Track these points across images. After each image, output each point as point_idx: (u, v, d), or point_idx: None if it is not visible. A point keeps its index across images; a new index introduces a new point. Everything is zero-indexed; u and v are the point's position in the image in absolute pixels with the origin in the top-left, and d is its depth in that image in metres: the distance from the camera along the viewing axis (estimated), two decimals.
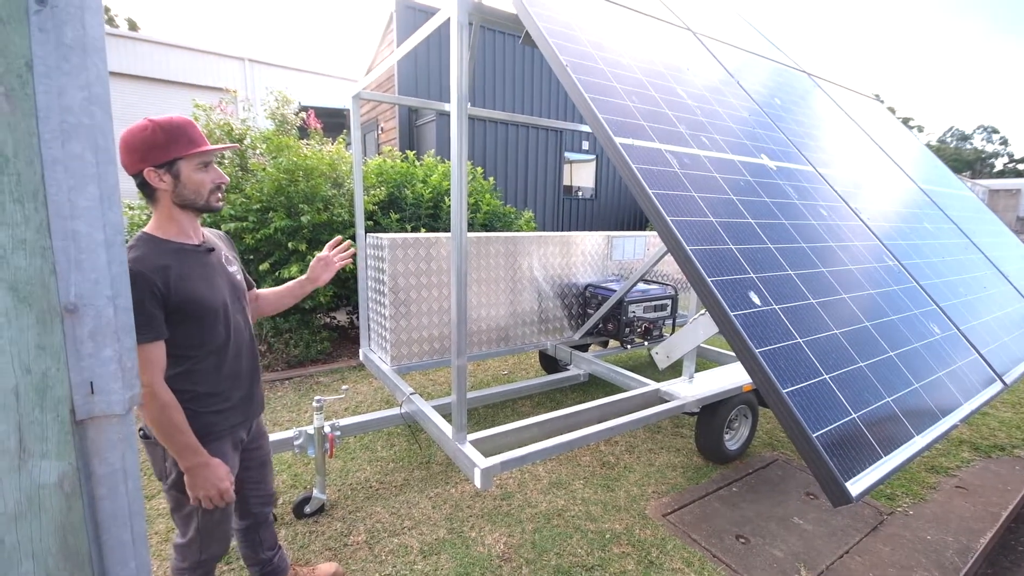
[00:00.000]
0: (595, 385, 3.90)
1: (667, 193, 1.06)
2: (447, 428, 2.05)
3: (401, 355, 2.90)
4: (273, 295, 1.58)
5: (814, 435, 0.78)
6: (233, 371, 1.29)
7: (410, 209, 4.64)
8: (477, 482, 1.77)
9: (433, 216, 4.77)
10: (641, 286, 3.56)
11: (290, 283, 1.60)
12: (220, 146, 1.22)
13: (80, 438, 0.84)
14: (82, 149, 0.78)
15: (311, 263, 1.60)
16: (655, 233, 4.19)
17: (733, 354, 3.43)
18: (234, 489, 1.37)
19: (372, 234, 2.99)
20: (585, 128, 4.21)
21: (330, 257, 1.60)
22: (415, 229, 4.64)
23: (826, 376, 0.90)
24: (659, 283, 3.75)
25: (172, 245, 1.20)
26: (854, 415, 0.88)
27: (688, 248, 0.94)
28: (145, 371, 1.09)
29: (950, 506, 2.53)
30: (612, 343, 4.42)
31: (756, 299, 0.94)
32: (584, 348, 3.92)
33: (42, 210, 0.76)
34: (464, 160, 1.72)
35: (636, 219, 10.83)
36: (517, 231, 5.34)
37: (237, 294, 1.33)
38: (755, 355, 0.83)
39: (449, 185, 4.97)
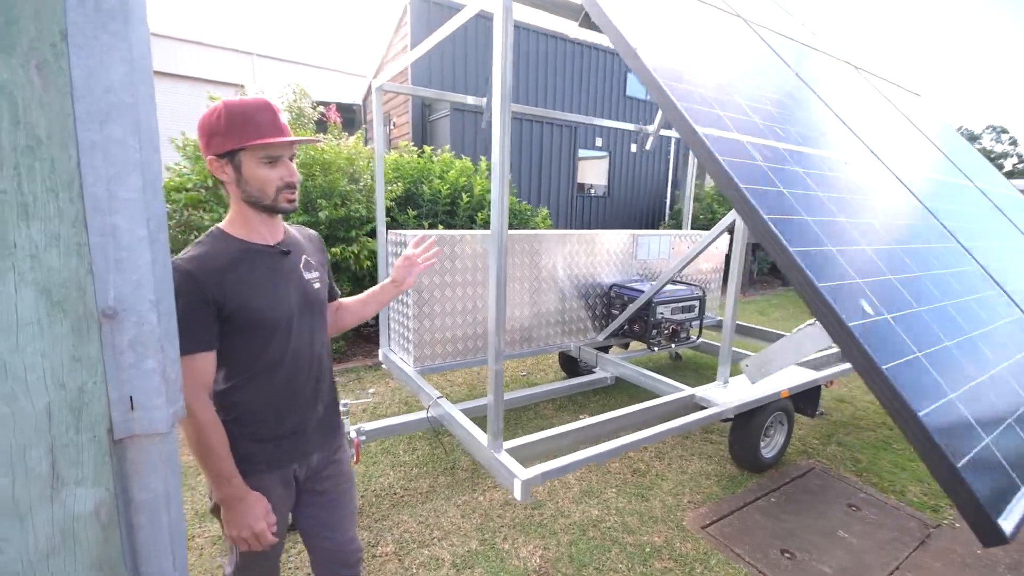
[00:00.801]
0: (618, 389, 3.79)
1: (757, 188, 0.96)
2: (480, 435, 1.96)
3: (424, 356, 2.81)
4: (356, 304, 1.40)
5: (958, 465, 0.68)
6: (286, 395, 1.11)
7: (427, 206, 4.54)
8: (517, 494, 1.67)
9: (450, 213, 4.67)
10: (669, 287, 3.44)
11: (373, 288, 1.41)
12: (289, 139, 1.01)
13: (118, 460, 0.74)
14: (123, 132, 0.68)
15: (395, 264, 1.40)
16: (679, 232, 4.07)
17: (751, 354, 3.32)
18: (290, 529, 1.23)
19: (395, 230, 2.90)
20: (602, 122, 4.09)
21: (415, 257, 1.40)
22: (432, 226, 4.54)
23: (952, 396, 0.80)
24: (686, 284, 3.63)
25: (240, 244, 1.06)
26: (987, 439, 0.78)
27: (792, 251, 0.84)
28: (187, 386, 0.95)
29: None
30: (633, 345, 4.32)
31: (868, 308, 0.83)
32: (605, 350, 3.81)
33: (78, 202, 0.67)
34: (507, 157, 1.62)
35: (648, 217, 10.69)
36: (534, 228, 5.23)
37: (310, 306, 1.15)
38: (882, 373, 0.73)
39: (466, 182, 4.87)
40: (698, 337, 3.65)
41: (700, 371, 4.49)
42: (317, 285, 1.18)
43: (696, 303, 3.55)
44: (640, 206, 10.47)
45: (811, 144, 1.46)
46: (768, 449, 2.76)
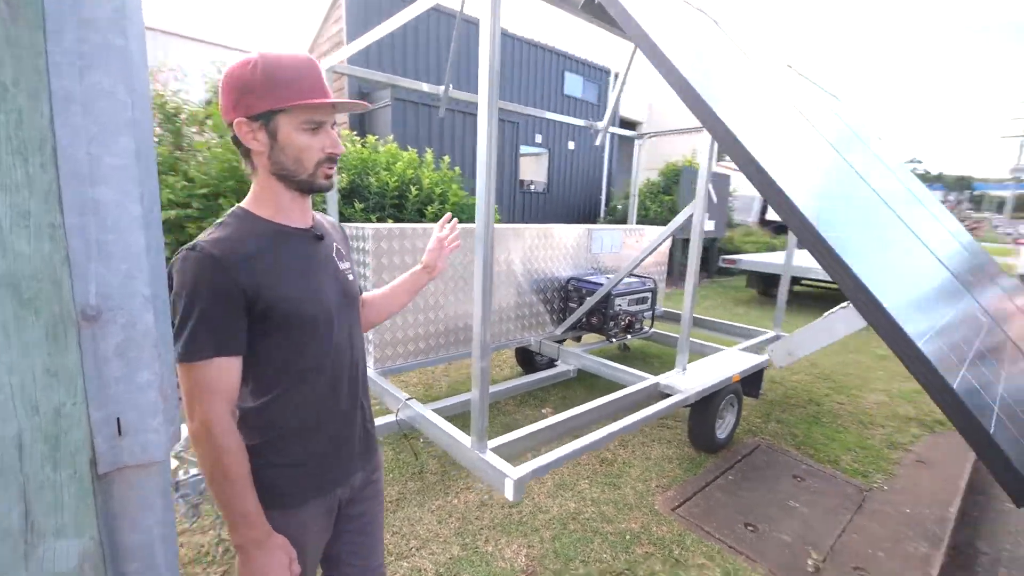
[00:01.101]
0: (577, 381, 3.84)
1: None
2: (461, 436, 1.87)
3: (386, 356, 2.65)
4: (384, 297, 1.22)
5: (991, 431, 0.73)
6: (328, 407, 0.94)
7: (374, 198, 4.31)
8: (509, 494, 1.62)
9: (398, 207, 4.47)
10: (625, 279, 3.54)
11: (402, 277, 1.24)
12: (340, 100, 0.84)
13: (104, 499, 0.60)
14: (111, 82, 0.54)
15: (428, 248, 1.23)
16: (628, 227, 4.20)
17: (702, 342, 3.53)
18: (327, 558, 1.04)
19: (354, 223, 2.70)
20: (556, 117, 4.12)
21: (445, 239, 1.25)
22: (380, 219, 4.32)
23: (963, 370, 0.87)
24: (639, 276, 3.75)
25: (269, 226, 0.88)
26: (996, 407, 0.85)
27: (824, 236, 0.87)
28: (204, 399, 0.78)
29: (917, 479, 2.74)
30: (586, 338, 4.40)
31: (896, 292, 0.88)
32: (560, 343, 3.85)
33: (50, 169, 0.52)
34: (494, 149, 1.56)
35: (585, 213, 10.99)
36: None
37: (348, 300, 0.99)
38: (919, 350, 0.77)
39: (413, 175, 4.69)
40: (651, 327, 3.79)
41: (647, 360, 4.68)
42: (351, 277, 1.03)
43: (649, 295, 3.69)
44: (578, 202, 10.73)
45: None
46: (722, 430, 2.93)
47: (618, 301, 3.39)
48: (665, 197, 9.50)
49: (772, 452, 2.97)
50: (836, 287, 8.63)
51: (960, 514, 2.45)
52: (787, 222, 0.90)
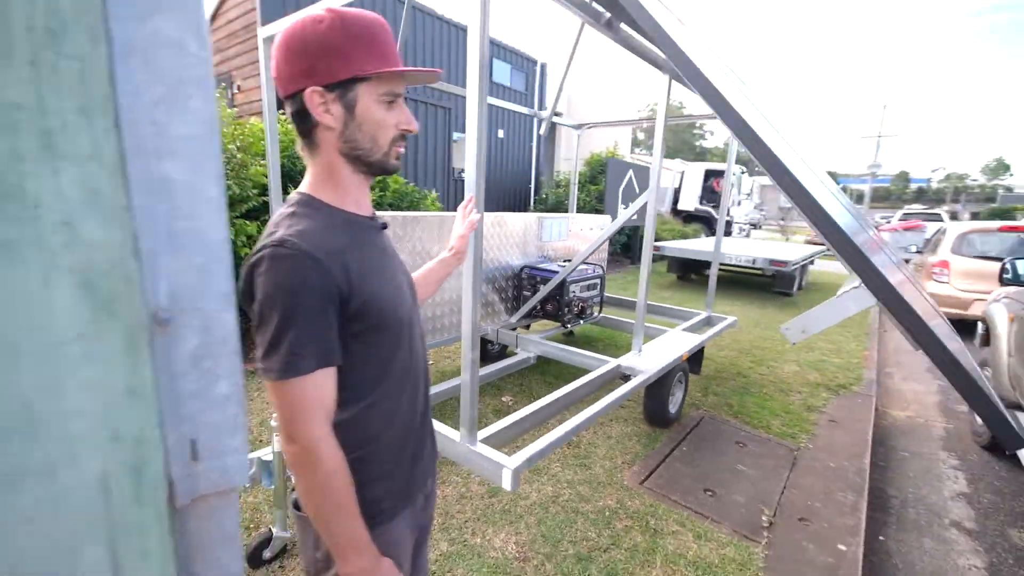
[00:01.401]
0: (531, 369, 3.89)
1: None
2: (448, 430, 1.82)
3: None
4: (417, 287, 1.10)
5: (981, 387, 0.85)
6: (411, 414, 0.86)
7: None
8: (507, 484, 1.60)
9: None
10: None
11: (431, 265, 1.16)
12: (424, 69, 0.76)
13: (180, 535, 0.51)
14: (178, 30, 0.44)
15: (460, 234, 1.15)
16: (572, 216, 4.30)
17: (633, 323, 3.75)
18: None
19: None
20: (500, 104, 4.08)
21: (470, 221, 1.19)
22: None
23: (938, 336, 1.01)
24: (590, 263, 3.87)
25: (341, 215, 0.77)
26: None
27: (839, 223, 0.95)
28: (307, 419, 0.68)
29: (833, 437, 3.14)
30: (535, 326, 4.47)
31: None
32: (512, 331, 3.88)
33: (114, 136, 0.42)
34: (484, 135, 1.50)
35: (516, 201, 11.07)
36: (424, 211, 5.00)
37: (416, 298, 0.91)
38: (925, 324, 0.88)
39: None
40: (599, 312, 3.93)
41: (591, 343, 4.86)
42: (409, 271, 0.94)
43: (598, 281, 3.82)
44: (508, 190, 10.78)
45: None
46: (673, 406, 3.14)
47: (572, 288, 3.47)
48: (592, 187, 9.85)
49: (715, 422, 3.24)
50: (743, 271, 9.52)
51: (871, 465, 2.85)
52: (814, 222, 0.98)
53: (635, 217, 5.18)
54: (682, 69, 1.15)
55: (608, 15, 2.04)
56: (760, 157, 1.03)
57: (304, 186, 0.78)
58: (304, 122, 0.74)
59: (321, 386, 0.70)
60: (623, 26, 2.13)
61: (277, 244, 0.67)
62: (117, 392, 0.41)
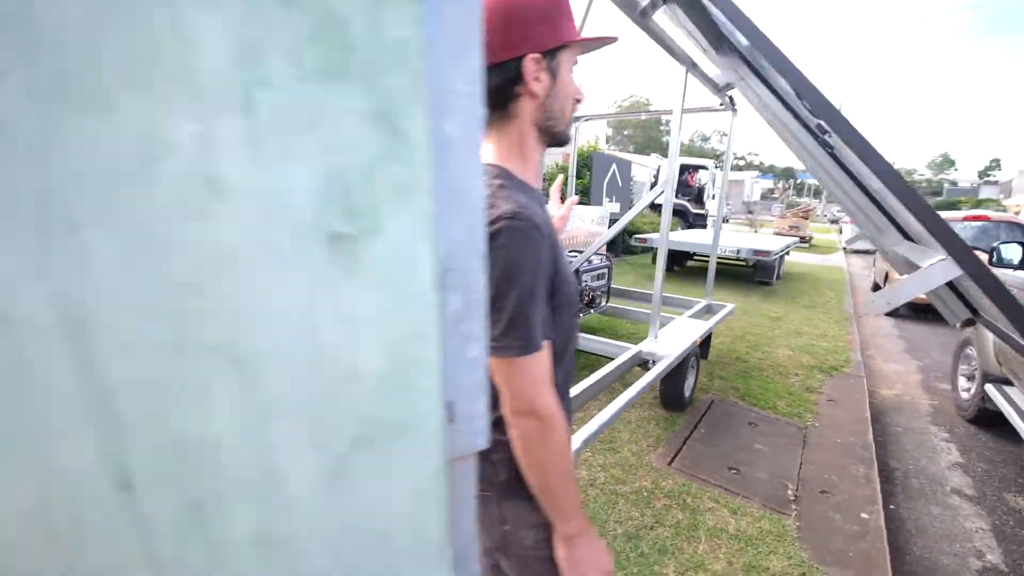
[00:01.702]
0: None
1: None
2: None
3: None
4: None
5: None
6: (566, 388, 0.84)
7: None
8: None
9: None
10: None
11: None
12: (603, 36, 0.73)
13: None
14: None
15: (559, 216, 1.11)
16: (578, 207, 4.34)
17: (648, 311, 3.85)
18: None
19: None
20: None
21: (570, 200, 1.15)
22: None
23: None
24: (600, 253, 3.92)
25: (532, 190, 0.75)
26: None
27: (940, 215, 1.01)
28: (541, 392, 0.68)
29: (835, 416, 3.30)
30: None
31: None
32: None
33: (421, 85, 0.41)
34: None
35: None
36: None
37: None
38: (1002, 285, 0.96)
39: None
40: (606, 302, 4.00)
41: (594, 333, 4.92)
42: None
43: (606, 271, 3.88)
44: None
45: None
46: (687, 390, 3.23)
47: (584, 277, 3.52)
48: (577, 181, 9.94)
49: (725, 405, 3.36)
50: (727, 262, 9.80)
51: (873, 439, 3.01)
52: (906, 204, 1.04)
53: (618, 211, 5.26)
54: (770, 59, 1.20)
55: (647, 1, 2.03)
56: (858, 146, 1.09)
57: (492, 157, 0.75)
58: (507, 92, 0.71)
59: (546, 359, 0.70)
60: (659, 13, 2.14)
61: (512, 216, 0.65)
62: (431, 354, 0.41)
